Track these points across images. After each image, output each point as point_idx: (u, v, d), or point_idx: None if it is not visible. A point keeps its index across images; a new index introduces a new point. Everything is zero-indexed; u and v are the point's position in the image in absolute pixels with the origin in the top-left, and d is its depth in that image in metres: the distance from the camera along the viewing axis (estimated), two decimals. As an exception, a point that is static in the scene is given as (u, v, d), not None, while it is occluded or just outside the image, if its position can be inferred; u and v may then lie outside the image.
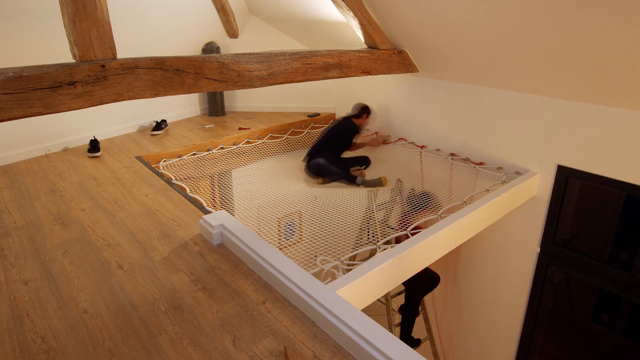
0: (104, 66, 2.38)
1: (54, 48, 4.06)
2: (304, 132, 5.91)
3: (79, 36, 2.30)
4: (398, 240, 3.25)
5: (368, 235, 3.94)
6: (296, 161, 5.42)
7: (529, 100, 3.96)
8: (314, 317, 2.20)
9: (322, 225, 3.85)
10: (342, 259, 2.88)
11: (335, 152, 5.03)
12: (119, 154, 4.68)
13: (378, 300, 4.56)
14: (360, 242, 4.04)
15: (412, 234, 3.14)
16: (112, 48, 2.45)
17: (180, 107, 6.11)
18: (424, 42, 4.05)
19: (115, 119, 5.31)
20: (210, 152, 4.99)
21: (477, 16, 3.27)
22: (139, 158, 4.53)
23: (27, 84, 2.13)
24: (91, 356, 2.01)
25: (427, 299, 5.41)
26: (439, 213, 3.49)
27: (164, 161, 4.62)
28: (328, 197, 4.60)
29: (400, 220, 3.86)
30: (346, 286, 2.46)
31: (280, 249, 4.34)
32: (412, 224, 3.44)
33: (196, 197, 3.78)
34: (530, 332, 4.51)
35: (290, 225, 5.38)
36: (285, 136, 5.71)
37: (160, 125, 5.38)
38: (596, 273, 3.92)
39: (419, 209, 3.96)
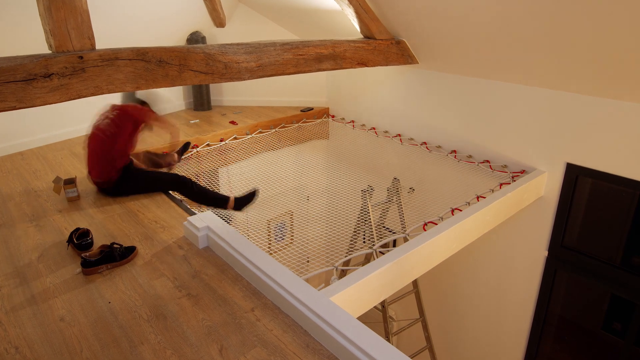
0: (82, 57, 2.38)
1: (28, 38, 4.05)
2: (294, 125, 5.92)
3: (55, 25, 2.30)
4: None
5: (364, 237, 3.96)
6: (288, 158, 5.43)
7: (536, 94, 3.98)
8: (306, 326, 2.21)
9: (315, 227, 3.87)
10: (336, 264, 2.90)
11: None
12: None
13: (374, 307, 4.58)
14: (355, 245, 4.06)
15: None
16: (91, 38, 2.46)
17: (164, 101, 6.10)
18: (423, 32, 4.07)
19: (94, 113, 5.29)
20: (196, 149, 4.99)
21: (481, 3, 3.29)
22: (119, 155, 4.53)
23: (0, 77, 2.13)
24: (68, 367, 2.02)
25: (427, 304, 5.44)
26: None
27: (147, 159, 4.61)
28: (321, 197, 4.61)
29: None
30: (341, 292, 2.47)
31: (270, 253, 4.35)
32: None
33: (180, 197, 3.79)
34: (538, 340, 4.53)
35: (280, 227, 5.39)
36: (274, 129, 5.72)
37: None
38: (607, 278, 3.95)
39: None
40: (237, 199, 4.01)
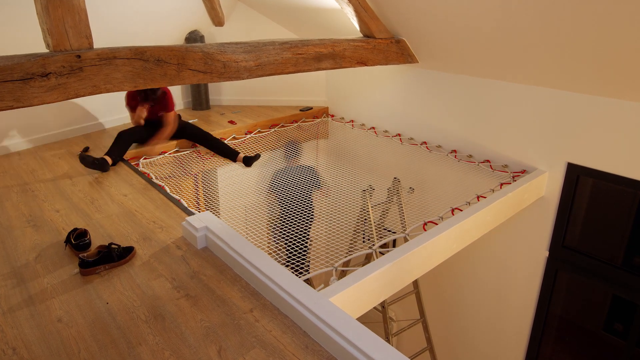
0: (79, 56, 2.38)
1: (25, 37, 4.05)
2: (293, 125, 5.92)
3: (52, 24, 2.30)
4: None
5: (363, 237, 3.96)
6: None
7: (538, 93, 3.99)
8: (305, 327, 2.21)
9: (314, 227, 3.87)
10: (336, 264, 2.90)
11: None
12: (95, 150, 4.68)
13: (374, 308, 4.59)
14: (355, 245, 4.05)
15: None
16: (89, 37, 2.46)
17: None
18: (423, 31, 4.07)
19: (92, 113, 5.30)
20: (195, 149, 4.99)
21: (481, 2, 3.29)
22: (117, 155, 4.53)
23: (-3, 76, 2.13)
24: (66, 368, 2.02)
25: (428, 305, 5.44)
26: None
27: (144, 159, 4.62)
28: (320, 196, 4.61)
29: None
30: (340, 293, 2.48)
31: (270, 253, 4.33)
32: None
33: (178, 197, 3.79)
34: (539, 342, 4.54)
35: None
36: (273, 129, 5.72)
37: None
38: (609, 279, 3.95)
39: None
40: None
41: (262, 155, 5.02)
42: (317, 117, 6.29)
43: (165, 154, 4.75)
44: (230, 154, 4.93)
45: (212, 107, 6.44)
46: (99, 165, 4.13)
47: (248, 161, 4.87)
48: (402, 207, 4.39)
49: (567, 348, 4.52)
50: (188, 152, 4.90)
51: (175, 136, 4.94)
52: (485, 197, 3.72)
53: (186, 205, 3.62)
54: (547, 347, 4.57)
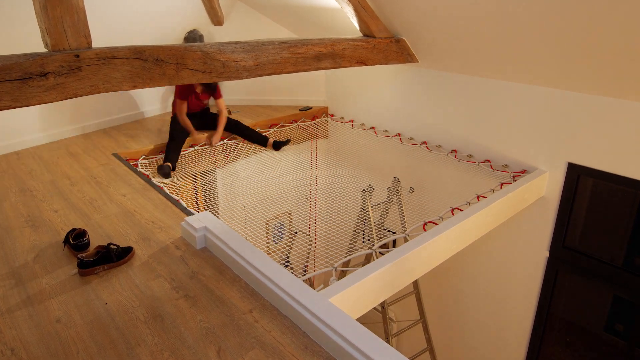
0: (78, 56, 2.39)
1: (24, 37, 4.05)
2: (293, 125, 5.92)
3: (51, 24, 2.30)
4: None
5: (363, 238, 3.96)
6: (286, 158, 5.43)
7: (538, 93, 3.98)
8: (305, 327, 2.21)
9: (314, 227, 3.87)
10: (336, 264, 2.90)
11: None
12: (94, 150, 4.67)
13: (374, 308, 4.58)
14: (355, 245, 4.05)
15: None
16: (87, 36, 2.46)
17: (161, 99, 6.10)
18: (423, 30, 4.07)
19: (90, 112, 5.30)
20: (193, 148, 4.99)
21: (482, 2, 3.29)
22: (116, 155, 4.53)
23: (-5, 76, 2.13)
24: (64, 369, 2.02)
25: (428, 305, 5.44)
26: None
27: (143, 159, 4.62)
28: (320, 196, 4.61)
29: None
30: (340, 293, 2.48)
31: (269, 253, 4.34)
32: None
33: (177, 197, 3.79)
34: (539, 342, 4.54)
35: (279, 227, 5.39)
36: (273, 129, 5.72)
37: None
38: (610, 279, 3.95)
39: None
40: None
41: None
42: (317, 116, 6.29)
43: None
44: (260, 140, 5.31)
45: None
46: (164, 173, 4.36)
47: (278, 145, 5.28)
48: (402, 207, 4.40)
49: (568, 348, 4.52)
50: (187, 152, 4.90)
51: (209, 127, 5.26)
52: (485, 197, 3.72)
53: (185, 205, 3.62)
54: (548, 347, 4.57)
